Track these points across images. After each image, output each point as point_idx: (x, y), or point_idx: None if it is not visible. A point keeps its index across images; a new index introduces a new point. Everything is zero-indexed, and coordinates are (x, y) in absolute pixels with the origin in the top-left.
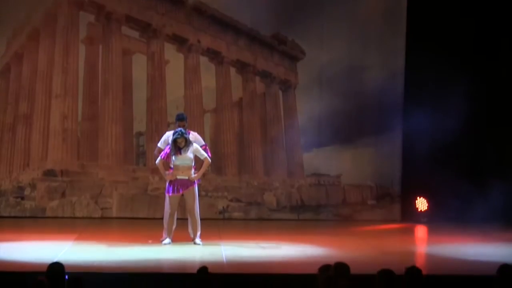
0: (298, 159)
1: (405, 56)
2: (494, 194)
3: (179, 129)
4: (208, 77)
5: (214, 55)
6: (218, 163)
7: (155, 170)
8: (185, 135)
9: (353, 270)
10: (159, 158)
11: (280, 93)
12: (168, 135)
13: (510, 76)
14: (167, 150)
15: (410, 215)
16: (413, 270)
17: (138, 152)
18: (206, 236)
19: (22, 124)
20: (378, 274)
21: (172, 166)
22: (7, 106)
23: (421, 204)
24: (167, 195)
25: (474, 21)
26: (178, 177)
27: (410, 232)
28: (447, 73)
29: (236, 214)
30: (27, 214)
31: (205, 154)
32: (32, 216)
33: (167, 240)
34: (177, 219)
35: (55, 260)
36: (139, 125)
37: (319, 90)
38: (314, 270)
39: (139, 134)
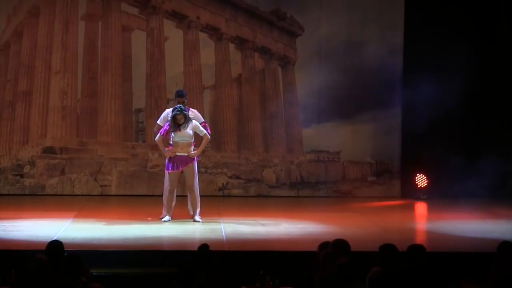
0: (298, 135)
1: (405, 31)
2: (494, 171)
3: (179, 105)
4: (207, 53)
5: (213, 32)
6: (217, 140)
7: (154, 147)
8: (184, 112)
9: (353, 247)
10: (158, 134)
11: (279, 69)
12: (168, 112)
13: (509, 51)
14: (166, 127)
15: (410, 192)
16: (416, 248)
17: (138, 128)
18: (206, 213)
19: (21, 101)
20: (380, 249)
21: (171, 142)
22: (7, 83)
23: (421, 180)
24: (166, 172)
25: None
26: (178, 153)
27: (410, 208)
28: (447, 47)
29: (235, 191)
30: (26, 191)
31: (205, 131)
32: (31, 194)
33: (167, 217)
34: (177, 196)
35: (54, 238)
36: (139, 101)
37: (318, 66)
38: (314, 247)
39: (139, 110)
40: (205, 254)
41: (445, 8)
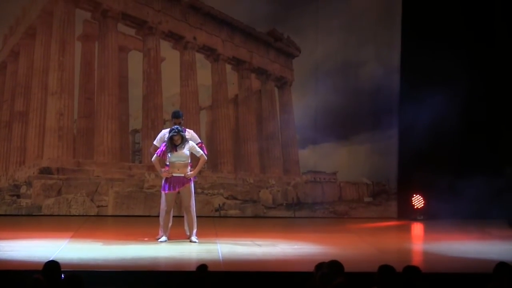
0: (294, 156)
1: (401, 51)
2: (492, 192)
3: (176, 126)
4: (204, 74)
5: (210, 52)
6: (214, 160)
7: (151, 167)
8: (181, 133)
9: (349, 268)
10: (155, 155)
11: (276, 89)
12: (164, 133)
13: (507, 71)
14: (162, 147)
15: (406, 213)
16: (411, 269)
17: (134, 149)
18: (203, 233)
19: (18, 122)
20: (378, 270)
21: (167, 163)
22: (3, 104)
23: (418, 201)
24: (163, 192)
25: (470, 14)
26: (174, 174)
27: (407, 229)
28: (443, 68)
29: (232, 212)
30: (23, 212)
31: (201, 152)
32: (28, 214)
33: (163, 238)
34: (173, 216)
35: (51, 258)
36: (135, 122)
37: (315, 86)
38: (310, 268)
39: (135, 131)
40: (203, 275)
41: (442, 27)
